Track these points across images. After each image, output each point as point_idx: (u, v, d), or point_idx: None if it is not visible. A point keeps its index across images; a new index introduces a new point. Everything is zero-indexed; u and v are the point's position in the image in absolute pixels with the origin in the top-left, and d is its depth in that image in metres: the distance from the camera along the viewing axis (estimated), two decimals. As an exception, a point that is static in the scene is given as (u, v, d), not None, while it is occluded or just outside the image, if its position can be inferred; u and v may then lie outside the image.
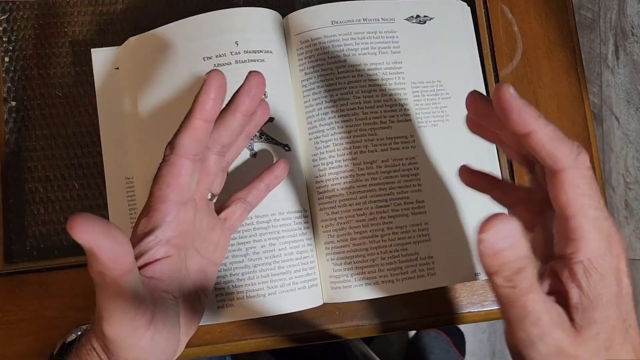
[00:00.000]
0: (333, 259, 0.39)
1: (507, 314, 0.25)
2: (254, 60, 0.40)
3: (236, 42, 0.40)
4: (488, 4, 0.46)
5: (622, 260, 0.26)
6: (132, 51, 0.41)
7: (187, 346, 0.41)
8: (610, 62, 1.22)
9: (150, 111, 0.41)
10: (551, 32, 0.46)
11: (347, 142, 0.40)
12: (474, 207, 0.41)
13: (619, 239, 0.26)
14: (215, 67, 0.40)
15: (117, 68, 0.42)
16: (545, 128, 0.26)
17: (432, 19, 0.43)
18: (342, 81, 0.40)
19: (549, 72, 0.45)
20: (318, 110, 0.40)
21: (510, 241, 0.23)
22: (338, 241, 0.39)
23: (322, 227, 0.40)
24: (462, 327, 1.10)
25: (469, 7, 0.45)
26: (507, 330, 0.27)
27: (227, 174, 0.39)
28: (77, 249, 0.41)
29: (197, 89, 0.39)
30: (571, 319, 0.26)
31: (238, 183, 0.39)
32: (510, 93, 0.26)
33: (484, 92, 0.44)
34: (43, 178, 0.43)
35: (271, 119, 0.39)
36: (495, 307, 0.42)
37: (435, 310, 0.41)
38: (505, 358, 1.16)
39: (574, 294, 0.26)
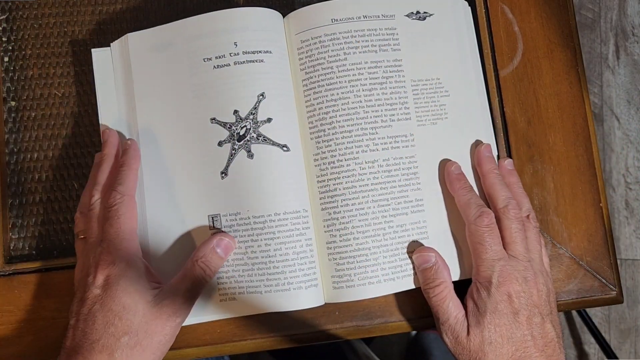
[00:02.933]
0: (335, 259, 0.39)
1: (433, 313, 0.39)
2: (253, 61, 0.40)
3: (235, 43, 0.40)
4: (488, 4, 0.46)
5: (511, 291, 0.37)
6: (128, 48, 0.41)
7: (186, 346, 0.41)
8: (610, 62, 1.22)
9: (149, 112, 0.41)
10: (552, 32, 0.46)
11: (349, 142, 0.40)
12: None
13: (509, 276, 0.38)
14: (215, 68, 0.40)
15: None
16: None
17: (432, 15, 0.43)
18: (342, 80, 0.40)
19: (550, 72, 0.45)
20: (319, 109, 0.40)
21: (427, 264, 0.39)
22: (340, 241, 0.39)
23: (324, 226, 0.40)
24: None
25: (469, 5, 0.45)
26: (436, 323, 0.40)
27: (227, 175, 0.39)
28: (77, 249, 0.41)
29: (199, 91, 0.39)
30: (468, 321, 0.38)
31: (236, 186, 0.39)
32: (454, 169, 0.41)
33: (484, 91, 0.44)
34: (43, 178, 0.43)
35: (269, 120, 0.40)
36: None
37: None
38: (506, 358, 1.15)
39: (469, 304, 0.38)
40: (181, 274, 0.38)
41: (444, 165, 0.41)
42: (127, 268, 0.36)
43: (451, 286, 0.39)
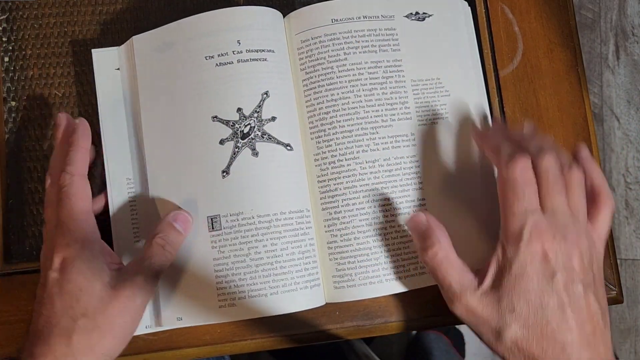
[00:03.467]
0: (336, 259, 0.39)
1: (435, 280, 0.35)
2: (256, 60, 0.40)
3: (238, 41, 0.40)
4: (488, 4, 0.46)
5: (547, 248, 0.32)
6: (133, 50, 0.41)
7: (186, 346, 0.41)
8: (610, 62, 1.22)
9: (153, 111, 0.41)
10: (552, 32, 0.46)
11: (349, 141, 0.40)
12: (474, 203, 0.41)
13: (545, 231, 0.32)
14: (217, 66, 0.39)
15: (118, 69, 0.42)
16: None
17: (431, 15, 0.43)
18: (343, 80, 0.40)
19: (550, 72, 0.45)
20: (319, 109, 0.40)
21: (422, 225, 0.35)
22: (341, 240, 0.39)
23: (325, 226, 0.40)
24: (462, 327, 1.10)
25: (468, 6, 0.45)
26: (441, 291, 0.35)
27: (229, 174, 0.39)
28: (77, 249, 0.41)
29: (200, 89, 0.39)
30: (483, 285, 0.33)
31: (239, 184, 0.39)
32: None
33: (484, 91, 0.44)
34: (43, 178, 0.43)
35: (273, 118, 0.39)
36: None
37: (436, 311, 0.41)
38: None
39: (490, 266, 0.34)
40: (140, 255, 0.37)
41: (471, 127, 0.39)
42: (82, 249, 0.35)
43: (450, 248, 0.35)
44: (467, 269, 0.35)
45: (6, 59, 0.44)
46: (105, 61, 0.42)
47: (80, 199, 0.37)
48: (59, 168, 0.38)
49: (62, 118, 0.40)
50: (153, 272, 0.36)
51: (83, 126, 0.39)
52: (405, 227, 0.40)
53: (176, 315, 0.38)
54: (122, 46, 0.42)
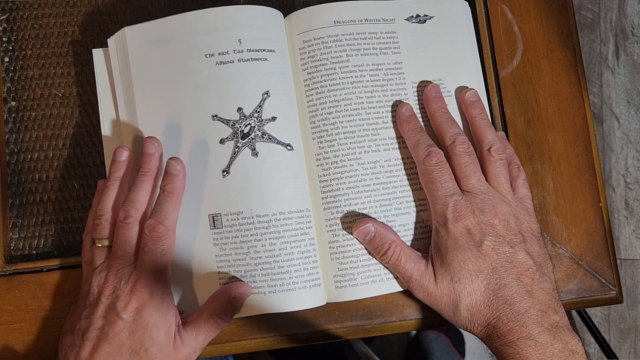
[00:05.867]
0: (338, 258, 0.39)
1: (400, 277, 0.39)
2: (257, 59, 0.39)
3: (239, 40, 0.39)
4: (488, 4, 0.46)
5: (468, 224, 0.37)
6: (126, 42, 0.41)
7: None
8: (610, 62, 1.22)
9: (148, 109, 0.40)
10: (551, 32, 0.46)
11: (351, 142, 0.40)
12: None
13: (464, 210, 0.37)
14: (218, 64, 0.39)
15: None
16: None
17: (432, 17, 0.43)
18: (345, 81, 0.40)
19: (549, 72, 0.45)
20: (321, 109, 0.40)
21: (369, 236, 0.38)
22: (343, 240, 0.39)
23: (327, 226, 0.40)
24: (462, 327, 1.09)
25: (469, 6, 0.45)
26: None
27: (229, 174, 0.39)
28: (76, 249, 0.41)
29: (200, 87, 0.39)
30: (433, 268, 0.38)
31: (239, 184, 0.39)
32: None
33: (484, 91, 0.44)
34: (43, 178, 0.43)
35: (274, 118, 0.39)
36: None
37: (435, 311, 0.41)
38: (506, 358, 1.15)
39: (432, 248, 0.38)
40: (201, 322, 0.37)
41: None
42: (161, 302, 0.36)
43: (401, 243, 0.38)
44: (420, 257, 0.39)
45: (6, 59, 0.44)
46: (105, 61, 0.42)
47: (168, 254, 0.38)
48: (143, 205, 0.38)
49: (158, 148, 0.39)
50: (209, 339, 0.38)
51: (183, 175, 0.39)
52: (409, 228, 0.40)
53: (178, 309, 0.39)
54: (113, 37, 0.41)
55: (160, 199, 0.38)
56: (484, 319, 0.36)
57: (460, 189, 0.38)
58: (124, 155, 0.39)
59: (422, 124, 0.41)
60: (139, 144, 0.40)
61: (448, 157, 0.39)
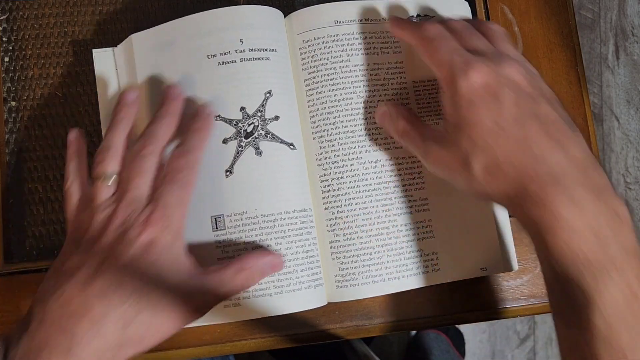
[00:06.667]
0: (339, 258, 0.39)
1: (414, 151, 0.37)
2: (259, 59, 0.40)
3: (241, 40, 0.39)
4: (488, 4, 0.46)
5: (482, 75, 0.31)
6: (132, 49, 0.41)
7: (186, 346, 0.41)
8: (610, 62, 1.22)
9: (153, 109, 0.41)
10: (551, 32, 0.46)
11: (352, 142, 0.40)
12: (477, 202, 0.41)
13: (474, 61, 0.32)
14: (220, 65, 0.39)
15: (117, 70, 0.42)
16: None
17: (432, 17, 0.43)
18: (345, 81, 0.40)
19: (549, 72, 0.45)
20: (322, 109, 0.40)
21: (386, 115, 0.38)
22: (344, 240, 0.39)
23: (328, 226, 0.40)
24: (462, 327, 1.10)
25: (469, 6, 0.45)
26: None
27: (233, 174, 0.39)
28: (77, 249, 0.41)
29: (203, 88, 0.39)
30: (447, 137, 0.33)
31: (243, 184, 0.39)
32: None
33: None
34: (43, 178, 0.43)
35: (276, 117, 0.39)
36: (494, 308, 0.42)
37: (436, 310, 0.41)
38: (505, 358, 1.16)
39: (444, 120, 0.34)
40: (219, 276, 0.34)
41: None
42: (175, 240, 0.33)
43: (411, 116, 0.37)
44: (428, 126, 0.36)
45: (6, 59, 0.44)
46: (106, 61, 0.42)
47: (191, 190, 0.35)
48: (161, 139, 0.36)
49: (181, 92, 0.38)
50: (218, 301, 0.35)
51: (211, 118, 0.37)
52: (410, 227, 0.40)
53: None
54: (120, 45, 0.42)
55: (187, 135, 0.36)
56: (509, 179, 0.30)
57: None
58: (133, 95, 0.37)
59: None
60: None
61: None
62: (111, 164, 0.35)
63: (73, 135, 0.39)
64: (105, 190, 0.35)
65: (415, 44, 0.36)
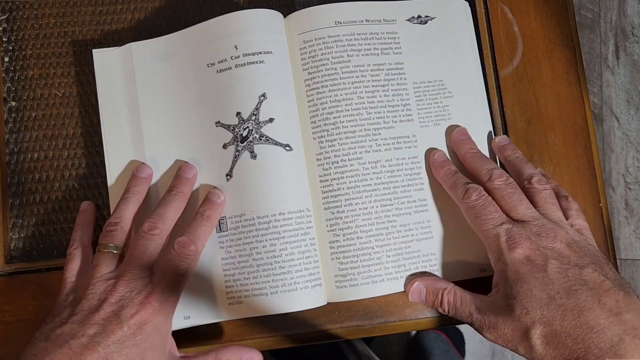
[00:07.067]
0: (339, 258, 0.40)
1: (464, 321, 0.37)
2: (253, 63, 0.40)
3: (235, 46, 0.40)
4: (488, 4, 0.46)
5: (527, 250, 0.34)
6: (132, 58, 0.42)
7: (186, 346, 0.41)
8: (610, 62, 1.22)
9: (154, 116, 0.41)
10: (551, 32, 0.46)
11: (352, 142, 0.40)
12: None
13: (518, 236, 0.34)
14: (218, 72, 0.40)
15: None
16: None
17: (433, 18, 0.43)
18: (346, 81, 0.40)
19: (549, 72, 0.45)
20: (322, 109, 0.40)
21: (423, 293, 0.38)
22: (344, 240, 0.39)
23: (327, 226, 0.40)
24: (462, 327, 1.10)
25: (469, 7, 0.45)
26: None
27: (232, 177, 0.39)
28: (77, 249, 0.41)
29: (204, 96, 0.39)
30: (498, 311, 0.34)
31: (240, 187, 0.39)
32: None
33: (484, 92, 0.44)
34: (43, 178, 0.43)
35: (271, 120, 0.40)
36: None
37: (435, 310, 0.41)
38: (505, 358, 1.16)
39: (496, 293, 0.35)
40: None
41: (429, 155, 0.41)
42: (165, 322, 0.35)
43: (453, 288, 0.38)
44: (477, 296, 0.36)
45: (6, 59, 0.44)
46: (106, 61, 0.42)
47: (188, 278, 0.37)
48: (170, 222, 0.37)
49: (194, 175, 0.39)
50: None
51: (223, 204, 0.39)
52: (409, 228, 0.40)
53: (184, 314, 0.39)
54: (119, 50, 0.42)
55: (196, 221, 0.38)
56: (567, 349, 0.31)
57: (512, 219, 0.36)
58: (147, 172, 0.40)
59: (455, 168, 0.40)
60: (141, 153, 0.41)
61: (490, 194, 0.37)
62: (118, 237, 0.37)
63: (85, 206, 0.41)
64: (109, 260, 0.36)
65: (461, 207, 0.38)
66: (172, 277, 0.35)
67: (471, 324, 0.36)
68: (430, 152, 0.41)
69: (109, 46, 0.43)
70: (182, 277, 0.36)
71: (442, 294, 0.37)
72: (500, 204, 0.37)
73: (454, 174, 0.39)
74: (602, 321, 0.31)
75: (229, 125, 0.40)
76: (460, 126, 0.42)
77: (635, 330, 0.31)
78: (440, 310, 0.38)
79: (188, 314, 0.39)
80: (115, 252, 0.37)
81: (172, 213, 0.38)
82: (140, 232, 0.36)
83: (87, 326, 0.33)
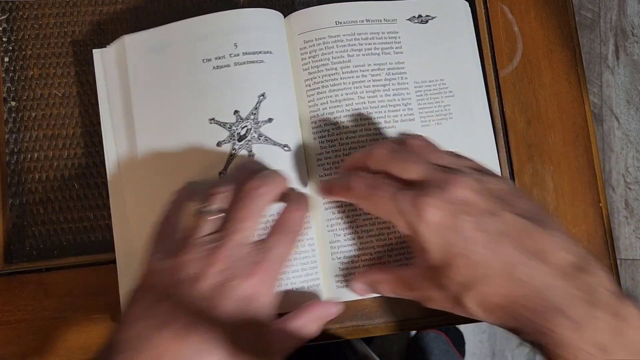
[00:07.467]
0: (339, 258, 0.40)
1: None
2: (253, 62, 0.40)
3: (235, 44, 0.40)
4: (488, 4, 0.46)
5: (433, 210, 0.29)
6: (125, 50, 0.41)
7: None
8: (610, 62, 1.22)
9: (146, 112, 0.41)
10: (551, 32, 0.46)
11: (353, 142, 0.40)
12: None
13: (421, 199, 0.30)
14: (215, 69, 0.40)
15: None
16: None
17: (434, 17, 0.43)
18: (346, 81, 0.40)
19: (549, 72, 0.45)
20: (323, 109, 0.40)
21: (363, 292, 0.37)
22: (344, 240, 0.39)
23: (328, 226, 0.40)
24: (462, 327, 1.10)
25: (469, 6, 0.45)
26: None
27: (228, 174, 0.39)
28: (77, 249, 0.41)
29: (198, 92, 0.39)
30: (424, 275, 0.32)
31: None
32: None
33: (484, 91, 0.44)
34: (43, 178, 0.43)
35: (270, 120, 0.40)
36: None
37: (435, 310, 0.41)
38: (505, 358, 1.16)
39: (415, 263, 0.33)
40: (291, 329, 0.32)
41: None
42: (273, 297, 0.32)
43: (388, 278, 0.35)
44: (403, 273, 0.34)
45: (6, 59, 0.44)
46: (106, 61, 0.42)
47: (300, 237, 0.34)
48: (279, 185, 0.34)
49: (286, 182, 0.36)
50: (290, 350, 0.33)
51: (307, 211, 0.36)
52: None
53: None
54: (112, 45, 0.42)
55: (298, 196, 0.36)
56: (504, 311, 0.29)
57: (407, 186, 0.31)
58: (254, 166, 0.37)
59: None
60: (135, 152, 0.41)
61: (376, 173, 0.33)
62: (221, 201, 0.32)
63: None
64: (210, 222, 0.32)
65: (356, 204, 0.35)
66: (284, 244, 0.32)
67: (412, 298, 0.34)
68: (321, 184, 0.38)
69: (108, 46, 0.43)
70: (293, 243, 0.32)
71: (382, 288, 0.36)
72: (389, 173, 0.32)
73: (335, 185, 0.36)
74: (529, 272, 0.28)
75: (225, 123, 0.39)
76: (420, 136, 0.37)
77: (560, 269, 0.28)
78: (385, 294, 0.36)
79: None
80: (217, 213, 0.31)
81: (280, 178, 0.34)
82: (247, 192, 0.32)
83: (187, 302, 0.28)
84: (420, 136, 0.35)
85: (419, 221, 0.30)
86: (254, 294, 0.30)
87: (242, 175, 0.34)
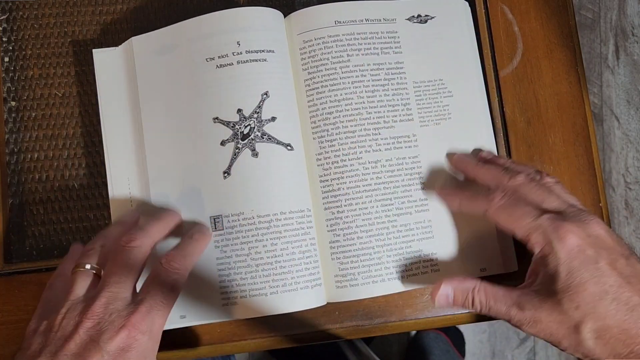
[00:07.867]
0: (339, 258, 0.39)
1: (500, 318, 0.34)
2: (256, 60, 0.40)
3: (238, 42, 0.40)
4: (488, 4, 0.46)
5: (577, 239, 0.32)
6: (133, 52, 0.41)
7: (186, 346, 0.41)
8: (610, 62, 1.22)
9: (153, 112, 0.41)
10: (551, 32, 0.46)
11: (352, 142, 0.40)
12: None
13: (564, 226, 0.33)
14: (218, 68, 0.40)
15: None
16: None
17: (433, 17, 0.43)
18: (346, 81, 0.40)
19: (549, 72, 0.45)
20: (322, 109, 0.40)
21: (450, 298, 0.35)
22: (344, 240, 0.39)
23: (327, 226, 0.40)
24: (462, 327, 1.10)
25: (469, 6, 0.45)
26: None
27: (230, 175, 0.39)
28: (77, 249, 0.41)
29: (202, 91, 0.39)
30: (539, 302, 0.32)
31: (240, 185, 0.39)
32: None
33: (484, 91, 0.44)
34: (43, 178, 0.43)
35: (273, 119, 0.40)
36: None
37: (436, 310, 0.41)
38: (505, 358, 1.16)
39: (537, 281, 0.34)
40: None
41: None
42: (154, 346, 0.31)
43: (482, 285, 0.35)
44: (510, 290, 0.34)
45: (6, 59, 0.44)
46: (106, 61, 0.42)
47: (175, 299, 0.34)
48: (152, 235, 0.35)
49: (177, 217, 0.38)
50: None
51: (209, 239, 0.38)
52: (410, 228, 0.40)
53: (179, 313, 0.39)
54: (120, 47, 0.42)
55: (185, 241, 0.36)
56: (620, 342, 0.31)
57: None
58: (134, 218, 0.38)
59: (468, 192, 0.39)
60: (142, 153, 0.41)
61: (513, 194, 0.36)
62: (94, 256, 0.34)
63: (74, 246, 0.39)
64: (83, 279, 0.33)
65: (489, 215, 0.37)
66: (159, 295, 0.32)
67: (509, 321, 0.34)
68: (436, 189, 0.41)
69: (108, 46, 0.43)
70: (170, 293, 0.33)
71: (473, 295, 0.35)
72: (529, 199, 0.35)
73: (470, 192, 0.38)
74: None
75: (229, 121, 0.39)
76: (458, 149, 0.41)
77: None
78: (472, 310, 0.35)
79: (184, 313, 0.39)
80: (92, 271, 0.33)
81: (156, 228, 0.36)
82: (118, 247, 0.33)
83: (61, 358, 0.29)
84: (551, 177, 0.38)
85: (558, 241, 0.32)
86: (128, 345, 0.30)
87: (119, 229, 0.36)
